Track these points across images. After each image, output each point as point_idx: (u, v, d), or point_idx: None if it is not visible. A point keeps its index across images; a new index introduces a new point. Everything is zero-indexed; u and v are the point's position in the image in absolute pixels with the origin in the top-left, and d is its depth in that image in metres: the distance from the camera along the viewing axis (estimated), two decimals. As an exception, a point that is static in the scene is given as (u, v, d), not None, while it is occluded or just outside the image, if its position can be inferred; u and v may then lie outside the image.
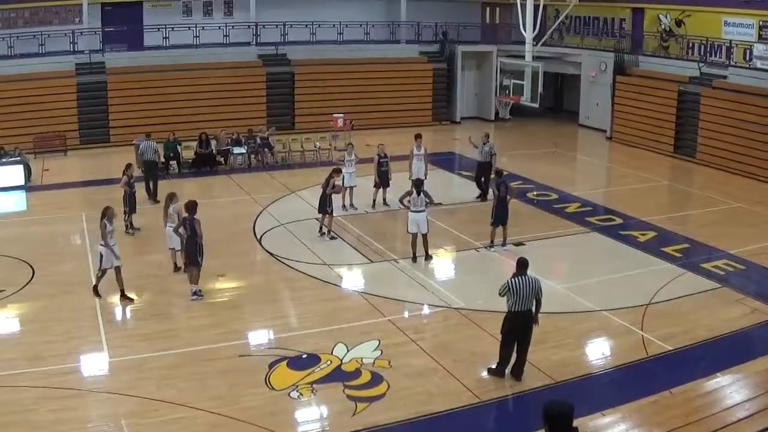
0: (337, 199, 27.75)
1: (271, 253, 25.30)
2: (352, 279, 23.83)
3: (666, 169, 39.01)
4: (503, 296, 16.51)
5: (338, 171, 27.48)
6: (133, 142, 35.59)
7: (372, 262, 24.77)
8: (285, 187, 33.59)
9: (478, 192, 31.81)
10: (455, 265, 25.14)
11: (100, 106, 41.90)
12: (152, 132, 33.17)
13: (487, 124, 50.82)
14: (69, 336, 18.93)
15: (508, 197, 25.28)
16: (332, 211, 26.74)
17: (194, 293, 21.29)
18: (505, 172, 27.02)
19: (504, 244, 25.50)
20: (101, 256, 20.96)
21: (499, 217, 25.20)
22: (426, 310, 21.22)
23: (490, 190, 25.45)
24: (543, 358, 17.69)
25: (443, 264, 25.12)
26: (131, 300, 21.12)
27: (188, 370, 17.37)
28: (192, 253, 21.25)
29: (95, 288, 21.28)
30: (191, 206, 21.23)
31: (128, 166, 27.68)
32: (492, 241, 25.49)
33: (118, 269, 21.17)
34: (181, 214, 21.77)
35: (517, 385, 16.81)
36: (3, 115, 38.67)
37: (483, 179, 31.62)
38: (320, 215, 26.76)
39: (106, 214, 21.23)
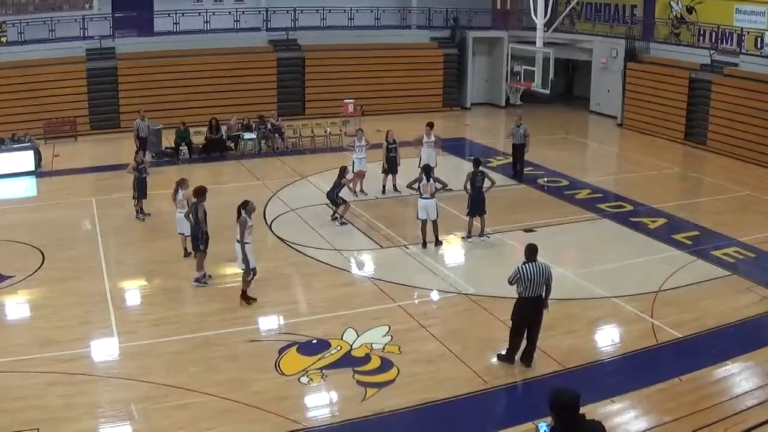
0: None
1: (281, 239, 25.34)
2: (362, 264, 23.88)
3: (677, 156, 38.91)
4: (514, 284, 16.50)
5: (345, 168, 27.44)
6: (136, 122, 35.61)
7: (382, 247, 24.80)
8: (295, 172, 33.61)
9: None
10: (465, 251, 25.09)
11: (110, 91, 41.93)
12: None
13: (498, 110, 50.93)
14: (79, 321, 19.02)
15: (484, 188, 25.17)
16: (344, 200, 26.78)
17: (196, 280, 21.34)
18: (481, 159, 27.06)
19: (481, 234, 25.42)
20: (245, 255, 19.97)
21: (476, 207, 25.09)
22: (436, 295, 21.27)
23: (483, 181, 25.34)
24: (553, 345, 17.70)
25: (453, 250, 25.11)
26: (254, 299, 20.34)
27: (198, 356, 17.44)
28: (195, 240, 21.30)
29: (244, 293, 20.29)
30: (198, 192, 21.15)
31: (138, 151, 27.76)
32: (469, 232, 25.43)
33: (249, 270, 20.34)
34: (190, 200, 21.72)
35: (527, 372, 16.85)
36: (14, 101, 38.81)
37: (517, 159, 32.82)
38: (334, 207, 26.86)
39: (246, 208, 20.05)
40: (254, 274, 20.23)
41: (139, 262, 23.37)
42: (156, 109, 39.34)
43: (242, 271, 20.20)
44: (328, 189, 26.72)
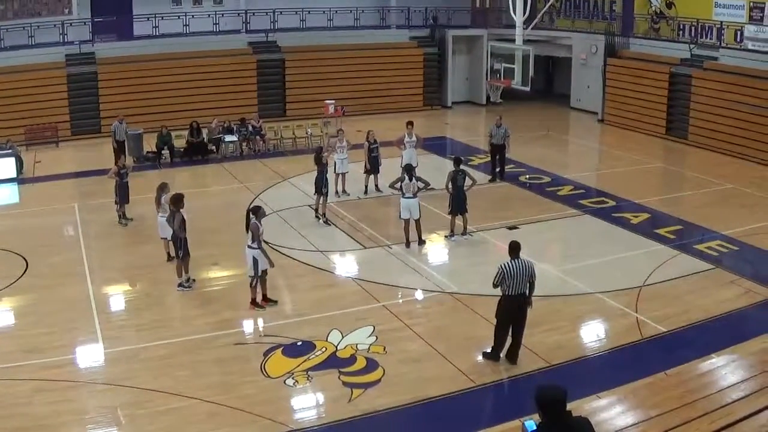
0: (330, 184, 27.82)
1: (264, 241, 25.26)
2: (346, 265, 23.88)
3: (658, 151, 39.06)
4: (498, 285, 16.47)
5: (321, 149, 27.52)
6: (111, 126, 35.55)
7: (365, 248, 24.80)
8: (277, 174, 33.59)
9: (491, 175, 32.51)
10: (448, 250, 25.09)
11: (90, 96, 41.84)
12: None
13: (479, 108, 51.06)
14: (64, 328, 18.93)
15: (465, 186, 25.16)
16: (327, 192, 26.84)
17: (180, 284, 21.29)
18: (462, 158, 27.05)
19: (464, 233, 25.45)
20: (255, 260, 19.79)
21: (457, 206, 25.09)
22: (420, 295, 21.29)
23: (465, 180, 25.31)
24: (538, 342, 17.73)
25: (436, 249, 25.10)
26: (275, 302, 20.38)
27: (183, 360, 17.39)
28: (174, 246, 21.31)
29: (254, 300, 20.18)
30: (175, 200, 21.11)
31: (120, 156, 27.67)
32: (452, 231, 25.45)
33: (264, 272, 20.23)
34: (170, 206, 21.64)
35: (513, 369, 16.86)
36: (-6, 108, 38.61)
37: (498, 160, 32.40)
38: (315, 196, 26.99)
39: (258, 213, 20.17)
40: (257, 281, 20.09)
41: (122, 267, 23.30)
42: (137, 113, 39.27)
43: (251, 277, 20.07)
44: (317, 176, 26.81)
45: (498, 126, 31.95)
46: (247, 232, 20.02)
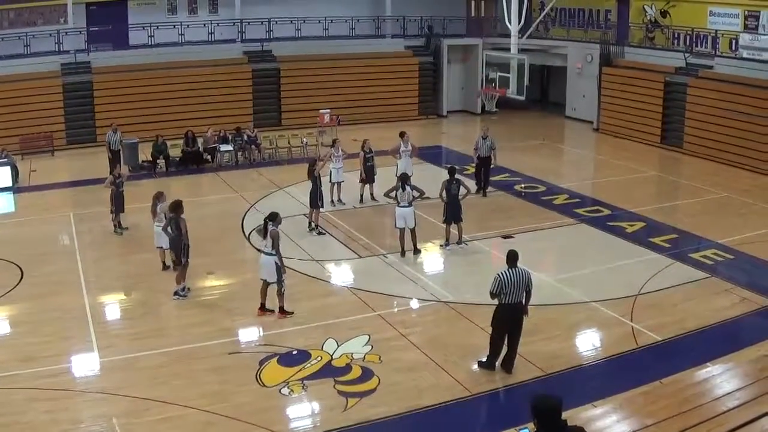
0: (325, 194, 27.82)
1: (260, 250, 25.20)
2: (341, 274, 23.85)
3: (653, 160, 39.08)
4: (497, 295, 16.42)
5: (315, 161, 27.47)
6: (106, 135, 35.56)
7: (361, 257, 24.78)
8: (272, 183, 33.58)
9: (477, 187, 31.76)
10: (443, 259, 25.07)
11: (86, 106, 41.79)
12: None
13: (474, 117, 51.05)
14: (59, 337, 18.91)
15: (460, 195, 25.11)
16: (322, 204, 26.85)
17: (175, 293, 21.23)
18: (457, 167, 26.97)
19: (459, 242, 25.41)
20: (277, 267, 19.83)
21: (452, 215, 25.02)
22: (415, 304, 21.27)
23: (459, 189, 25.20)
24: (533, 350, 17.70)
25: (432, 258, 25.10)
26: (272, 312, 20.19)
27: (179, 369, 17.36)
28: (177, 253, 21.24)
29: (281, 308, 20.05)
30: (175, 206, 21.10)
31: (116, 165, 27.64)
32: (447, 240, 25.41)
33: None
34: (167, 213, 21.62)
35: (508, 378, 16.83)
36: (-11, 117, 38.57)
37: (483, 173, 31.81)
38: (310, 209, 26.84)
39: (275, 220, 19.94)
40: (284, 287, 20.01)
41: (117, 276, 23.30)
42: (132, 123, 39.26)
43: (277, 286, 19.89)
44: (311, 189, 26.67)
45: (484, 138, 31.60)
46: (264, 239, 19.95)
